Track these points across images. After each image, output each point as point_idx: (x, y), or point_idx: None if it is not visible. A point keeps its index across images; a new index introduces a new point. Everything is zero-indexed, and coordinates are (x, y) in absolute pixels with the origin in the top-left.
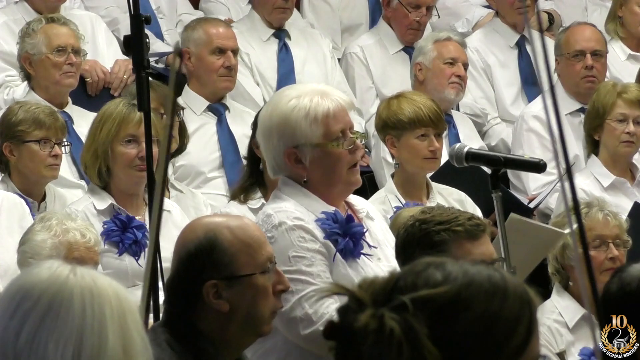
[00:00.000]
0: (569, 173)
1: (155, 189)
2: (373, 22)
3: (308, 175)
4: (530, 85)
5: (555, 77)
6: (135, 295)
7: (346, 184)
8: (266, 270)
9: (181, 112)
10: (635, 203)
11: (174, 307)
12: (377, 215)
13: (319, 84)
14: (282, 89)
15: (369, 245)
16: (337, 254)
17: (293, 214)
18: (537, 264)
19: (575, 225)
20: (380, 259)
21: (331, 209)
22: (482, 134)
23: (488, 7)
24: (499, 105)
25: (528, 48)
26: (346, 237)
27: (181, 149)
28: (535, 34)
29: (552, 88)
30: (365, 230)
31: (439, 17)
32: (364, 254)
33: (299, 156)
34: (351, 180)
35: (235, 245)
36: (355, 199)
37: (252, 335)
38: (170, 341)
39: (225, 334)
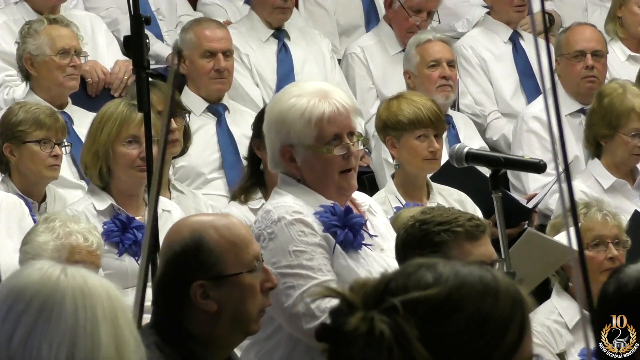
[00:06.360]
0: (567, 174)
1: (152, 183)
2: (368, 23)
3: (301, 174)
4: (528, 78)
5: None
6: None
7: (338, 189)
8: (253, 268)
9: (187, 115)
10: (635, 212)
11: (162, 309)
12: (379, 210)
13: (325, 83)
14: (290, 85)
15: (370, 235)
16: (337, 246)
17: (292, 207)
18: (544, 279)
19: (572, 226)
20: (384, 250)
21: (329, 202)
22: (484, 128)
23: (488, 7)
24: (499, 99)
25: (522, 42)
26: (345, 228)
27: (183, 151)
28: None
29: (554, 87)
30: (365, 220)
31: (440, 23)
32: (365, 244)
33: (293, 155)
34: (343, 185)
35: (222, 245)
36: (357, 194)
37: (241, 334)
38: (159, 343)
39: (214, 334)
